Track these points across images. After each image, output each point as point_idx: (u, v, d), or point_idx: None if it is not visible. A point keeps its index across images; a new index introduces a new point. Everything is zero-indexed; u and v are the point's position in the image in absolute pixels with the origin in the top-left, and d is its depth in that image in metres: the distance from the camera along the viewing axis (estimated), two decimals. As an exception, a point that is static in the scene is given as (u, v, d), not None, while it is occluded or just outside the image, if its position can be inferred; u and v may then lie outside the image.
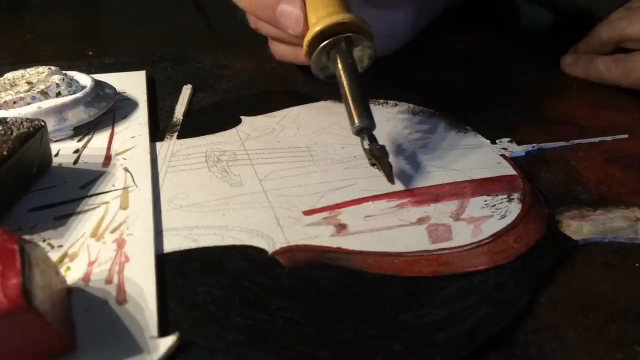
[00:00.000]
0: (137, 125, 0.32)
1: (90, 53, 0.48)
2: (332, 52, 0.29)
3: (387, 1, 0.39)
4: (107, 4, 0.69)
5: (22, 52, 0.49)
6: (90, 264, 0.21)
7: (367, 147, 0.27)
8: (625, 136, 0.33)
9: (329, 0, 0.30)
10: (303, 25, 0.30)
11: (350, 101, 0.28)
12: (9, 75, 0.33)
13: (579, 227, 0.25)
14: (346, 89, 0.28)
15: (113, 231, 0.23)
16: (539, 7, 0.62)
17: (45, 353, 0.17)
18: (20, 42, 0.52)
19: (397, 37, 0.43)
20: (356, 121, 0.27)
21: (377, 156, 0.26)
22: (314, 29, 0.29)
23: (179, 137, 0.31)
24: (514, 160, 0.30)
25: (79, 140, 0.30)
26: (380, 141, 0.27)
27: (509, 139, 0.32)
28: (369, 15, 0.36)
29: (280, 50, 0.38)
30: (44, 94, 0.31)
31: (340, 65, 0.29)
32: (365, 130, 0.27)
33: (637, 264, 0.23)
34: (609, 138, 0.32)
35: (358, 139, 0.28)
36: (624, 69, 0.38)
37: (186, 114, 0.35)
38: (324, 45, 0.29)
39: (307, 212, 0.25)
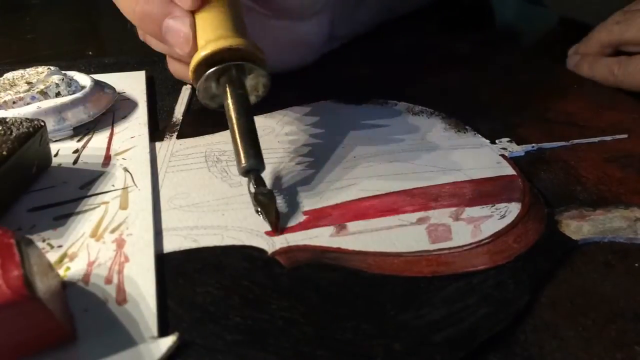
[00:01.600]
0: (136, 125, 0.32)
1: (90, 53, 0.48)
2: (221, 79, 0.27)
3: (295, 12, 0.36)
4: (107, 4, 0.69)
5: (22, 52, 0.49)
6: (90, 264, 0.21)
7: (252, 191, 0.25)
8: (625, 136, 0.33)
9: (220, 21, 0.27)
10: (192, 45, 0.28)
11: (237, 138, 0.25)
12: (9, 75, 0.33)
13: (579, 227, 0.25)
14: (234, 123, 0.25)
15: (113, 231, 0.23)
16: (540, 7, 0.62)
17: (47, 342, 0.17)
18: (20, 42, 0.52)
19: (312, 48, 0.40)
20: (243, 161, 0.24)
21: (262, 202, 0.24)
22: (200, 53, 0.26)
23: (178, 137, 0.31)
24: (513, 160, 0.30)
25: (78, 140, 0.30)
26: (380, 142, 0.27)
27: (508, 139, 0.32)
28: (278, 26, 0.35)
29: (175, 69, 0.35)
30: (44, 94, 0.31)
31: (229, 97, 0.26)
32: (253, 171, 0.25)
33: (636, 264, 0.23)
34: (608, 138, 0.32)
35: (359, 137, 0.27)
36: (625, 72, 0.38)
37: (186, 113, 0.35)
38: (210, 73, 0.26)
39: (307, 212, 0.25)
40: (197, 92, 0.28)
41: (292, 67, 0.38)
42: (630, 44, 0.39)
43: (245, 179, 0.26)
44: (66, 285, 0.20)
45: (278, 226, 0.24)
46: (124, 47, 0.51)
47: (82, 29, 0.60)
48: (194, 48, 0.28)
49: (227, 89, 0.26)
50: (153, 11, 0.29)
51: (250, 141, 0.25)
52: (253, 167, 0.25)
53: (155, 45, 0.34)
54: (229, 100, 0.26)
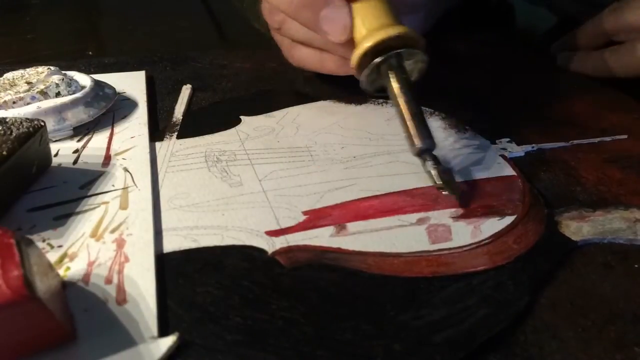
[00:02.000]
0: (136, 125, 0.32)
1: (90, 53, 0.48)
2: (382, 66, 0.28)
3: (400, 9, 0.38)
4: (107, 3, 0.70)
5: (22, 52, 0.49)
6: (90, 264, 0.21)
7: (432, 170, 0.26)
8: (625, 137, 0.33)
9: (381, 10, 0.28)
10: (349, 34, 0.29)
11: (408, 121, 0.26)
12: (9, 75, 0.33)
13: (579, 228, 0.25)
14: (403, 107, 0.26)
15: (113, 231, 0.23)
16: (540, 7, 0.62)
17: (47, 342, 0.17)
18: (20, 42, 0.52)
19: None
20: (417, 142, 0.26)
21: (446, 180, 0.25)
22: (367, 42, 0.27)
23: (178, 137, 0.31)
24: (513, 161, 0.30)
25: (78, 140, 0.30)
26: (381, 142, 0.27)
27: (508, 139, 0.32)
28: None
29: (302, 55, 0.36)
30: (44, 94, 0.31)
31: (394, 83, 0.27)
32: (427, 151, 0.26)
33: (636, 265, 0.23)
34: (608, 138, 0.32)
35: (359, 137, 0.27)
36: (622, 59, 0.38)
37: (186, 114, 0.35)
38: (377, 62, 0.27)
39: (307, 212, 0.25)
40: (361, 81, 0.29)
41: None
42: (622, 30, 0.39)
43: (254, 180, 0.26)
44: (66, 285, 0.20)
45: (462, 200, 0.25)
46: (124, 47, 0.51)
47: (82, 29, 0.60)
48: (350, 37, 0.29)
49: (392, 76, 0.27)
50: (313, 1, 0.29)
51: (421, 123, 0.26)
52: (427, 147, 0.26)
53: (295, 32, 0.34)
54: (395, 85, 0.27)
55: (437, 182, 0.26)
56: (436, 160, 0.26)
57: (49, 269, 0.19)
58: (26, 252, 0.17)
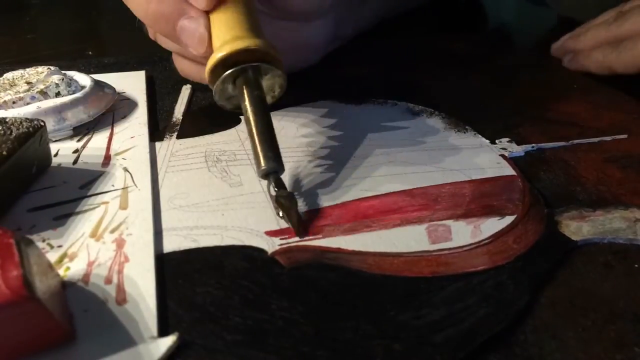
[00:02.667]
0: (136, 125, 0.32)
1: (90, 53, 0.48)
2: (238, 80, 0.27)
3: (302, 14, 0.36)
4: (107, 3, 0.70)
5: (22, 52, 0.49)
6: (90, 264, 0.21)
7: (273, 194, 0.25)
8: (625, 136, 0.33)
9: (236, 21, 0.27)
10: (207, 46, 0.27)
11: (256, 140, 0.25)
12: (9, 75, 0.33)
13: (579, 227, 0.25)
14: (252, 126, 0.25)
15: (112, 231, 0.23)
16: (540, 7, 0.62)
17: (47, 342, 0.17)
18: (20, 42, 0.52)
19: (316, 49, 0.40)
20: (262, 164, 0.24)
21: (284, 205, 0.24)
22: (216, 55, 0.26)
23: (178, 137, 0.31)
24: (513, 161, 0.30)
25: (78, 140, 0.30)
26: (380, 141, 0.27)
27: (508, 139, 0.32)
28: (283, 28, 0.35)
29: (184, 67, 0.35)
30: (43, 94, 0.31)
31: (246, 99, 0.26)
32: (273, 174, 0.25)
33: (636, 265, 0.23)
34: (608, 138, 0.32)
35: (359, 137, 0.27)
36: (618, 54, 0.38)
37: (186, 113, 0.35)
38: (226, 75, 0.26)
39: (307, 212, 0.25)
40: (214, 93, 0.27)
41: (296, 68, 0.38)
42: (628, 37, 0.39)
43: (254, 180, 0.26)
44: (66, 286, 0.20)
45: (300, 229, 0.24)
46: (124, 47, 0.51)
47: (82, 29, 0.60)
48: (209, 48, 0.27)
49: (244, 91, 0.26)
50: (167, 11, 0.28)
51: (269, 143, 0.25)
52: (273, 170, 0.25)
53: (166, 44, 0.34)
54: (246, 102, 0.26)
55: (275, 208, 0.24)
56: (279, 184, 0.25)
57: (49, 269, 0.19)
58: (26, 252, 0.17)
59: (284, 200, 0.24)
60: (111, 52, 0.51)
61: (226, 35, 0.26)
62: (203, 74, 0.29)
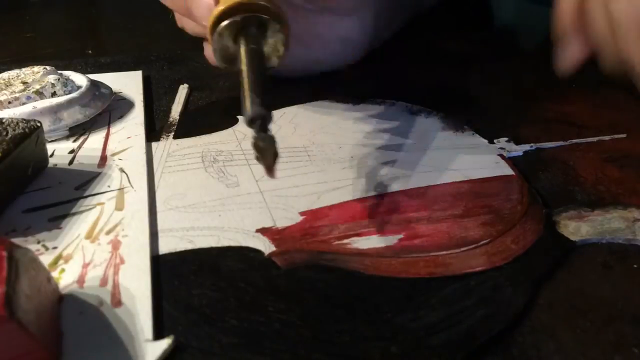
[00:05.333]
0: (133, 125, 0.32)
1: (90, 52, 0.48)
2: (239, 38, 0.26)
3: (338, 8, 0.36)
4: (106, 2, 0.69)
5: (22, 50, 0.49)
6: (85, 265, 0.21)
7: (252, 138, 0.22)
8: (623, 136, 0.33)
9: None
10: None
11: (245, 87, 0.23)
12: (4, 75, 0.33)
13: (577, 227, 0.24)
14: (244, 74, 0.24)
15: (108, 232, 0.23)
16: (541, 7, 0.61)
17: None
18: (20, 41, 0.52)
19: (354, 45, 0.39)
20: (248, 109, 0.22)
21: (260, 148, 0.21)
22: (218, 8, 0.25)
23: (175, 137, 0.31)
24: (511, 160, 0.30)
25: (74, 141, 0.30)
26: (378, 141, 0.27)
27: (506, 139, 0.32)
28: (321, 22, 0.35)
29: (208, 52, 0.35)
30: (39, 94, 0.31)
31: (242, 52, 0.25)
32: (259, 120, 0.22)
33: (635, 266, 0.23)
34: (607, 138, 0.32)
35: (357, 137, 0.27)
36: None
37: (182, 113, 0.34)
38: (223, 27, 0.25)
39: (304, 213, 0.25)
40: (213, 51, 0.26)
41: (335, 64, 0.39)
42: None
43: (251, 180, 0.25)
44: (63, 298, 0.20)
45: (274, 170, 0.21)
46: (123, 45, 0.51)
47: (82, 28, 0.60)
48: None
49: (241, 44, 0.25)
50: None
51: (257, 90, 0.23)
52: (258, 115, 0.22)
53: (192, 28, 0.34)
54: (242, 55, 0.25)
55: (255, 153, 0.22)
56: (263, 129, 0.22)
57: (46, 282, 0.19)
58: (17, 265, 0.17)
59: (261, 142, 0.22)
60: (111, 50, 0.50)
61: None
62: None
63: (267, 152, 0.21)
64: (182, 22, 0.36)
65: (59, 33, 0.56)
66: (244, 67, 0.24)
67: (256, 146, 0.21)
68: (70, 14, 0.64)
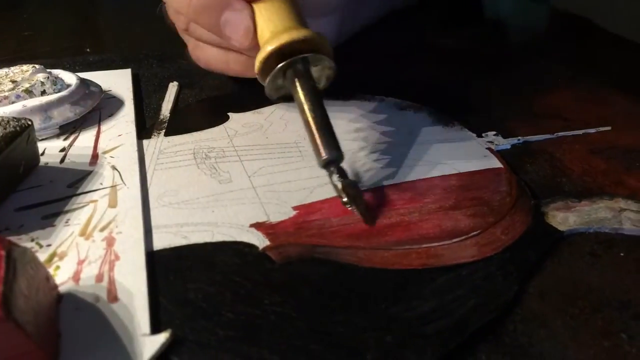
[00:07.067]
0: (123, 123, 0.32)
1: (88, 50, 0.48)
2: (288, 72, 0.26)
3: (311, 11, 0.34)
4: (105, 1, 0.69)
5: (19, 49, 0.49)
6: (80, 262, 0.21)
7: (337, 184, 0.24)
8: (609, 128, 0.33)
9: (285, 13, 0.27)
10: (252, 38, 0.27)
11: (314, 130, 0.25)
12: (-7, 74, 0.32)
13: (565, 218, 0.25)
14: (309, 116, 0.25)
15: (102, 229, 0.23)
16: (535, 3, 0.62)
17: None
18: (18, 39, 0.51)
19: None
20: (323, 153, 0.24)
21: (352, 195, 0.24)
22: (270, 45, 0.26)
23: (166, 135, 0.31)
24: (500, 153, 0.30)
25: (65, 139, 0.30)
26: (368, 137, 0.27)
27: (495, 133, 0.32)
28: None
29: (207, 56, 0.34)
30: (29, 93, 0.31)
31: (300, 90, 0.26)
32: (334, 163, 0.25)
33: (621, 254, 0.23)
34: (592, 130, 0.33)
35: (347, 133, 0.27)
36: None
37: (173, 111, 0.34)
38: (279, 68, 0.26)
39: (297, 208, 0.25)
40: (266, 85, 0.27)
41: None
42: None
43: (243, 176, 0.26)
44: (62, 298, 0.20)
45: (370, 217, 0.24)
46: (121, 43, 0.51)
47: (80, 26, 0.59)
48: (254, 40, 0.27)
49: (297, 82, 0.26)
50: (211, 3, 0.28)
51: (328, 133, 0.25)
52: (334, 158, 0.24)
53: (199, 34, 0.33)
54: (301, 93, 0.26)
55: (342, 197, 0.24)
56: (342, 174, 0.25)
57: (45, 281, 0.19)
58: (15, 265, 0.16)
59: (350, 189, 0.24)
60: (109, 48, 0.50)
61: (277, 26, 0.26)
62: (232, 64, 0.30)
63: (359, 202, 0.24)
64: (191, 27, 0.33)
65: (57, 31, 0.56)
66: (306, 107, 0.25)
67: (347, 194, 0.24)
68: (67, 13, 0.64)
